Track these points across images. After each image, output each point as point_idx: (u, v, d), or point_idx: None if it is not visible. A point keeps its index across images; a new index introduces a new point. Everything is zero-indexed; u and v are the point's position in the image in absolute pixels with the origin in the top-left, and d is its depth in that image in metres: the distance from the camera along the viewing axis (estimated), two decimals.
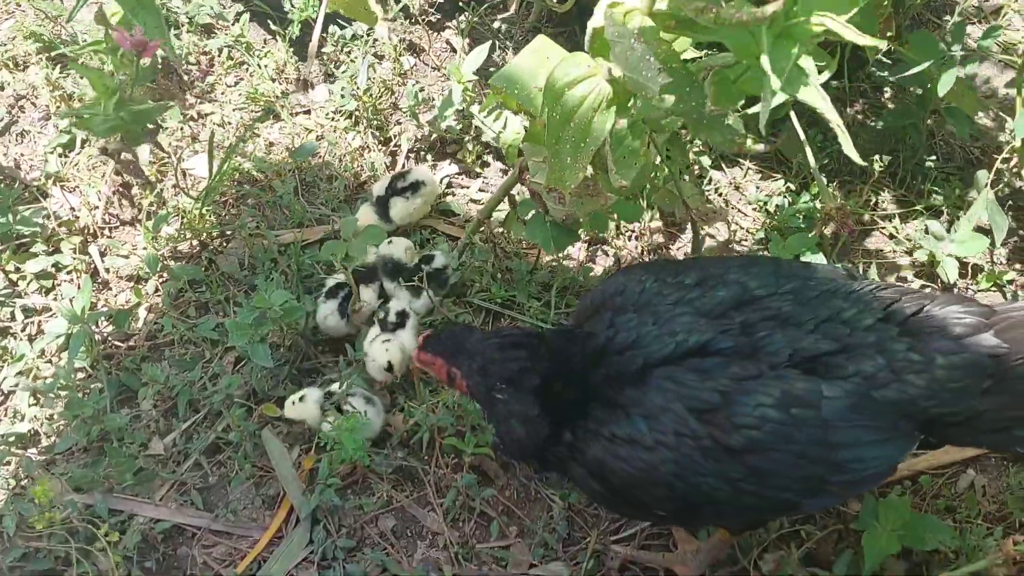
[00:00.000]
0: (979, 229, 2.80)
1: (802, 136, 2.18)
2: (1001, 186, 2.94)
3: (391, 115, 3.24)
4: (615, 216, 2.63)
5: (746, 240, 2.93)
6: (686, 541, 2.35)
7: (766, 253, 2.81)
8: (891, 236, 2.94)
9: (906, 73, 2.61)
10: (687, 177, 2.67)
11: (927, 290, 2.69)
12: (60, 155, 3.13)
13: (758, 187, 3.05)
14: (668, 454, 1.85)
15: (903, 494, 2.43)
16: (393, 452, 2.55)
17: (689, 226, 2.71)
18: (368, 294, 2.75)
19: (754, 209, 2.99)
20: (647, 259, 2.90)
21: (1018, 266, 2.86)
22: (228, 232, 2.98)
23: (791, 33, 1.70)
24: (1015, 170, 2.93)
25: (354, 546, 2.42)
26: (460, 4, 3.40)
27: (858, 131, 3.09)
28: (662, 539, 2.41)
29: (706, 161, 3.04)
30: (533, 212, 2.57)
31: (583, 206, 2.34)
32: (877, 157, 2.87)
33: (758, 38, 1.68)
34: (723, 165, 3.10)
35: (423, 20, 3.44)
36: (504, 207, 2.79)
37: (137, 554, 2.40)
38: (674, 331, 1.91)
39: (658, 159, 2.38)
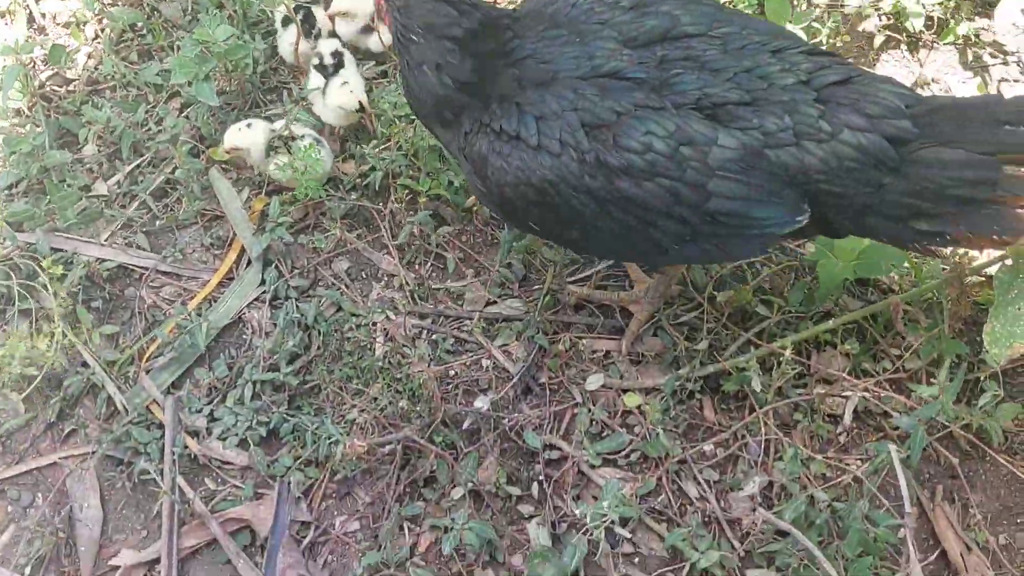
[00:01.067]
0: None
1: None
2: None
3: None
4: None
5: None
6: (640, 281, 2.34)
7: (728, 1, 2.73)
8: None
9: None
10: None
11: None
12: None
13: None
14: (548, 159, 1.82)
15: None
16: (346, 195, 2.49)
17: None
18: (321, 14, 2.65)
19: None
20: None
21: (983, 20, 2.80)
22: None
23: None
24: None
25: (307, 286, 2.38)
26: None
27: None
28: (618, 280, 2.39)
29: None
30: None
31: None
32: None
33: None
34: None
35: None
36: None
37: (82, 292, 2.34)
38: (592, 55, 1.86)
39: None
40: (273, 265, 2.40)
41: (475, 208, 2.47)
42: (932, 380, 2.18)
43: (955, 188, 1.77)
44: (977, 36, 2.71)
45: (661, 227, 1.84)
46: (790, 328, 2.26)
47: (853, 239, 2.25)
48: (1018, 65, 2.69)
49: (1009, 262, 2.04)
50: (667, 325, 2.29)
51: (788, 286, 2.32)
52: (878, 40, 2.76)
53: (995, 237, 1.81)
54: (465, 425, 2.15)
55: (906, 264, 2.26)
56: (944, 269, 2.17)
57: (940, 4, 2.66)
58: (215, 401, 2.22)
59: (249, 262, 2.42)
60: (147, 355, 2.29)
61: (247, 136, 2.41)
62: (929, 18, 2.72)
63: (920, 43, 2.77)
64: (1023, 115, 1.77)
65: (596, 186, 1.81)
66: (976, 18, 2.79)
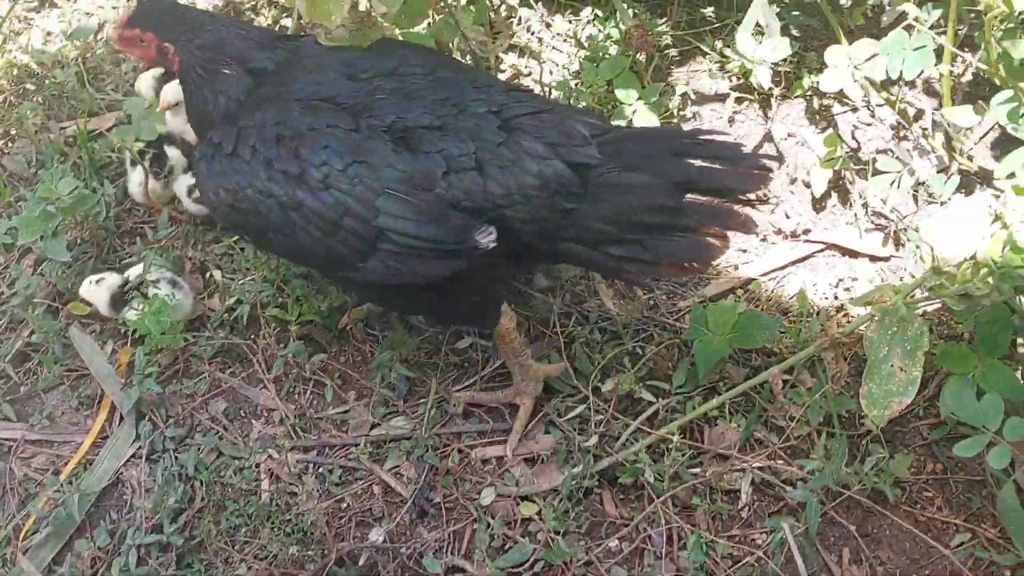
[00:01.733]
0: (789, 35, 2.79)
1: None
2: None
3: None
4: None
5: (557, 73, 2.85)
6: (521, 373, 2.29)
7: (579, 83, 2.74)
8: (705, 54, 2.89)
9: None
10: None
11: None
12: None
13: (569, 20, 2.95)
14: (240, 165, 1.93)
15: (737, 301, 2.43)
16: (215, 333, 2.42)
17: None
18: (174, 152, 2.59)
19: (565, 41, 2.90)
20: None
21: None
22: (12, 131, 2.75)
23: None
24: None
25: (185, 434, 2.30)
26: None
27: None
28: (503, 379, 2.35)
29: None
30: None
31: (364, 38, 2.21)
32: None
33: None
34: (532, 2, 2.99)
35: None
36: None
37: None
38: (320, 82, 1.99)
39: None
40: (147, 418, 2.31)
41: (350, 327, 2.42)
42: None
43: (640, 214, 1.85)
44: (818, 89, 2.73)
45: (339, 239, 1.91)
46: (679, 410, 2.24)
47: (726, 310, 2.26)
48: (868, 109, 2.73)
49: (875, 321, 2.05)
50: (557, 420, 2.25)
51: (672, 366, 2.30)
52: (729, 101, 2.79)
53: (686, 264, 1.91)
54: (361, 562, 2.08)
55: (780, 330, 2.26)
56: (820, 330, 2.18)
57: (785, 60, 2.69)
58: (100, 573, 2.12)
59: (121, 418, 2.33)
60: (23, 532, 2.18)
61: (96, 292, 2.34)
62: (777, 73, 2.75)
63: (771, 98, 2.80)
64: (697, 147, 1.89)
65: (279, 192, 1.91)
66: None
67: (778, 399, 2.18)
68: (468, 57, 2.51)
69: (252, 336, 2.42)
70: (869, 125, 2.75)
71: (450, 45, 2.52)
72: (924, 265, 2.19)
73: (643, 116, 2.63)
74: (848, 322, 2.26)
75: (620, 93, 2.63)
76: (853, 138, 2.73)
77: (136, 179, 2.57)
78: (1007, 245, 1.86)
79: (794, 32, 2.89)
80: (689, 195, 1.87)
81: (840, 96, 2.68)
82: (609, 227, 1.86)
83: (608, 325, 2.40)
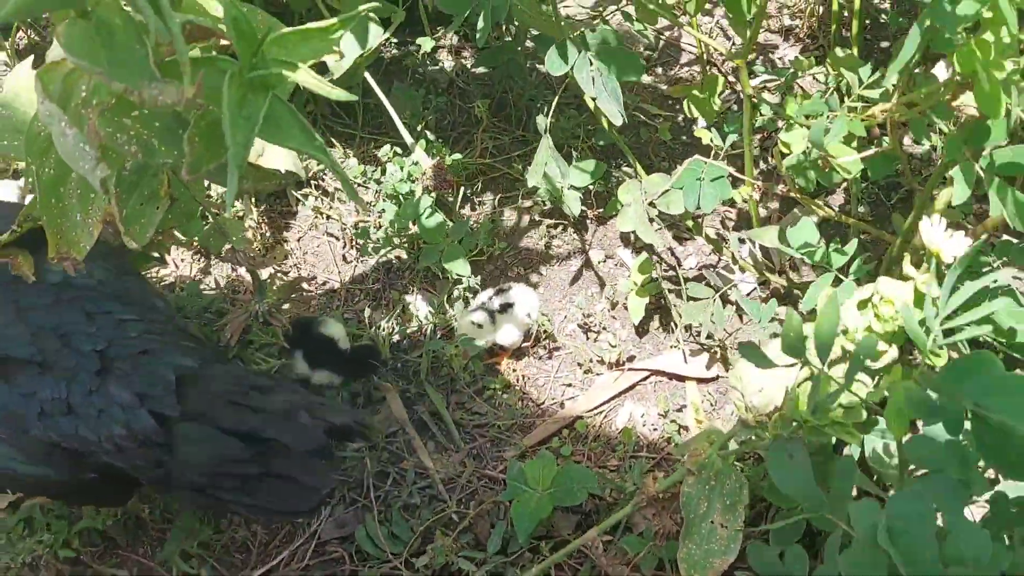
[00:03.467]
0: (600, 154, 2.75)
1: (384, 100, 1.97)
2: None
3: None
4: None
5: (364, 216, 2.73)
6: None
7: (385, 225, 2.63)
8: (515, 180, 2.82)
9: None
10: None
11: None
12: None
13: (364, 160, 2.85)
14: None
15: (562, 444, 2.33)
16: None
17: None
18: None
19: (361, 186, 2.78)
20: None
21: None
22: None
23: (263, 84, 1.29)
24: None
25: None
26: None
27: (469, 81, 2.96)
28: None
29: None
30: None
31: None
32: (479, 102, 2.74)
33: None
34: (332, 140, 2.87)
35: None
36: None
37: None
38: None
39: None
40: None
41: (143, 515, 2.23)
42: None
43: (223, 467, 1.77)
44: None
45: None
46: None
47: (545, 465, 2.15)
48: (688, 225, 2.68)
49: (692, 475, 1.97)
50: None
51: (492, 527, 2.18)
52: (542, 229, 2.72)
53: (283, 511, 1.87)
54: None
55: (601, 480, 2.16)
56: (636, 488, 2.08)
57: (594, 182, 2.63)
58: None
59: None
60: None
61: None
62: (588, 194, 2.69)
63: (587, 220, 2.73)
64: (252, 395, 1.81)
65: None
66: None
67: (601, 558, 2.07)
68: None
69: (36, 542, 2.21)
70: (688, 240, 2.70)
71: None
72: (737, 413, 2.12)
73: (451, 252, 2.53)
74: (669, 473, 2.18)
75: (423, 231, 2.53)
76: (673, 255, 2.68)
77: None
78: (812, 400, 1.79)
79: (600, 142, 2.84)
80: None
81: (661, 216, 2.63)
82: (202, 478, 1.78)
83: (427, 484, 2.27)
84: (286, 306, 2.53)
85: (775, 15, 3.24)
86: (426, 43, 2.95)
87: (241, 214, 2.67)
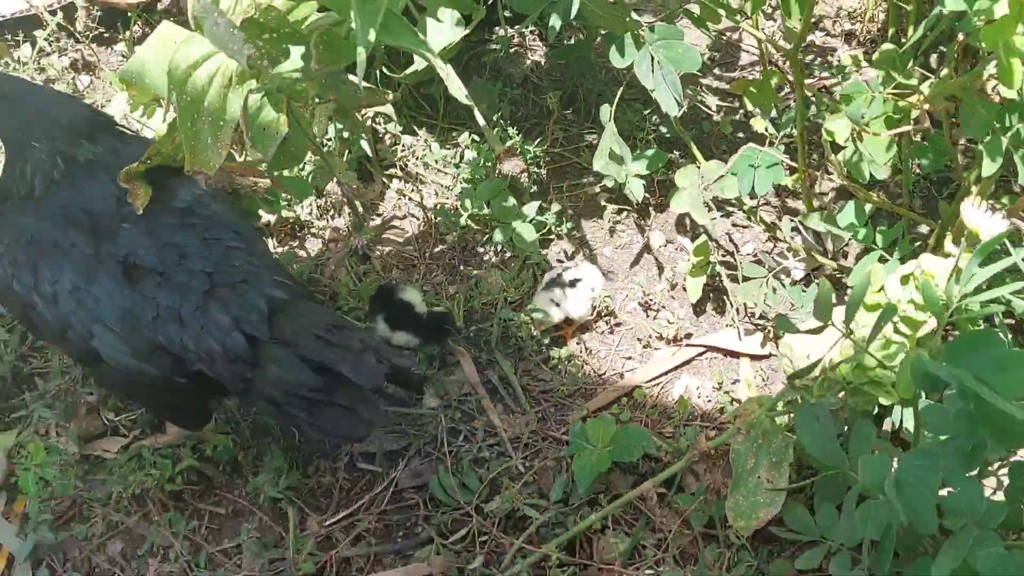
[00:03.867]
0: (664, 145, 2.93)
1: (458, 85, 2.17)
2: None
3: None
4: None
5: (443, 198, 2.95)
6: None
7: (461, 205, 2.86)
8: (583, 168, 3.01)
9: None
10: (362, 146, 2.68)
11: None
12: None
13: (445, 146, 3.07)
14: None
15: (621, 411, 2.52)
16: (108, 476, 2.44)
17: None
18: None
19: (441, 171, 3.00)
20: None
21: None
22: None
23: None
24: None
25: None
26: (128, 13, 3.26)
27: (542, 77, 3.18)
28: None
29: (396, 127, 3.03)
30: None
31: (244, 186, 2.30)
32: (551, 95, 2.95)
33: None
34: (415, 129, 3.10)
35: (87, 37, 3.30)
36: None
37: None
38: (92, 188, 2.13)
39: (318, 129, 2.36)
40: (43, 564, 2.33)
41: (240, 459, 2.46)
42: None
43: (293, 388, 2.00)
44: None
45: (68, 344, 2.11)
46: (562, 524, 2.30)
47: (605, 425, 2.33)
48: (743, 212, 2.85)
49: (741, 434, 2.14)
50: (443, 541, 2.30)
51: (552, 481, 2.37)
52: (608, 213, 2.91)
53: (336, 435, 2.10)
54: None
55: (657, 441, 2.34)
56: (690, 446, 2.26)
57: (656, 170, 2.80)
58: None
59: (17, 567, 2.34)
60: None
61: None
62: (651, 182, 2.87)
63: (648, 207, 2.92)
64: (331, 332, 2.03)
65: (19, 291, 2.08)
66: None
67: (655, 511, 2.25)
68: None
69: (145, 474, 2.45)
70: (745, 227, 2.87)
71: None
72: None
73: (525, 231, 2.73)
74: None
75: (497, 212, 2.74)
76: (731, 241, 2.86)
77: None
78: (854, 362, 1.96)
79: (665, 133, 3.02)
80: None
81: (717, 201, 2.80)
82: (277, 394, 2.02)
83: (495, 442, 2.47)
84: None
85: (836, 18, 3.40)
86: (503, 40, 3.16)
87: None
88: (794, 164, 2.45)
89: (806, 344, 2.17)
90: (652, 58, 2.33)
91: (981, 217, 1.86)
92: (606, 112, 2.58)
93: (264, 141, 2.01)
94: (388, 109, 2.84)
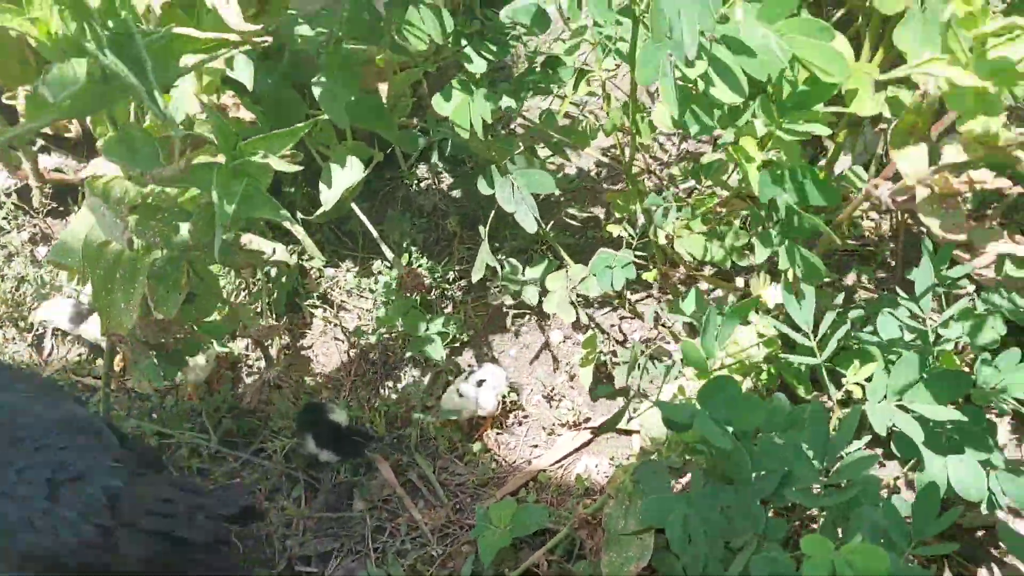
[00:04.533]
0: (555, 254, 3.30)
1: (368, 223, 2.57)
2: None
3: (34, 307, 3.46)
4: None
5: (364, 321, 3.32)
6: None
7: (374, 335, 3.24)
8: (485, 280, 3.38)
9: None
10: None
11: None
12: None
13: (363, 274, 3.45)
14: None
15: (528, 493, 2.83)
16: None
17: None
18: None
19: (361, 296, 3.38)
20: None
21: None
22: None
23: (243, 171, 2.00)
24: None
25: None
26: (78, 187, 3.68)
27: (448, 204, 3.59)
28: None
29: (319, 262, 3.41)
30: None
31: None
32: (451, 219, 3.36)
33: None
34: (338, 262, 3.48)
35: (42, 212, 3.70)
36: None
37: None
38: None
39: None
40: None
41: None
42: None
43: (154, 559, 2.27)
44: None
45: None
46: None
47: (506, 507, 2.64)
48: (628, 306, 3.20)
49: (612, 499, 2.45)
50: None
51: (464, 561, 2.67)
52: (509, 317, 3.27)
53: None
54: None
55: (550, 515, 2.65)
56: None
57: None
58: None
59: None
60: None
61: None
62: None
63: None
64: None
65: None
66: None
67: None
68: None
69: None
70: (633, 319, 3.22)
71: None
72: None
73: (433, 344, 3.09)
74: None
75: (408, 329, 3.11)
76: (620, 331, 3.20)
77: None
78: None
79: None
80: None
81: (599, 299, 3.16)
82: (141, 566, 2.28)
83: (417, 534, 2.78)
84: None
85: None
86: (410, 176, 3.58)
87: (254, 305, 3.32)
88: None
89: (658, 416, 2.49)
90: (512, 185, 2.72)
91: (766, 291, 2.24)
92: (483, 231, 2.97)
93: (167, 303, 2.35)
94: (313, 249, 3.23)
